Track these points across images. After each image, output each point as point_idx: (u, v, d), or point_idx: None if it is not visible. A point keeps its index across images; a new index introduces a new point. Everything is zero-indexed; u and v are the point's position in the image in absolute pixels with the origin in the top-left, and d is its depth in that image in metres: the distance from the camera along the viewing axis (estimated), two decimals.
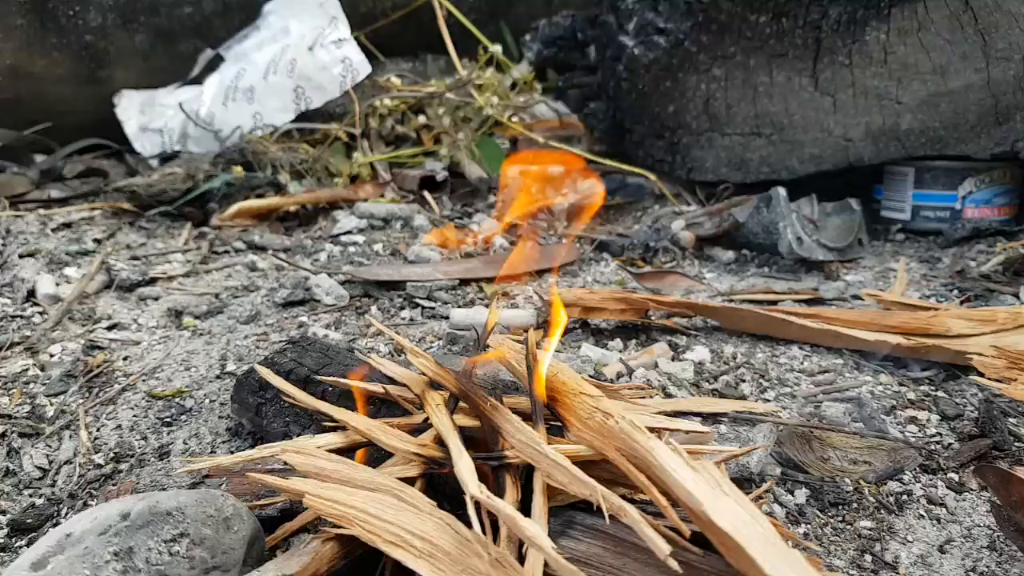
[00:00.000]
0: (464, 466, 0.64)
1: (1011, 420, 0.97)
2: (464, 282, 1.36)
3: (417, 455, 0.70)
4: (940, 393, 1.04)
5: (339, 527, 0.63)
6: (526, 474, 0.69)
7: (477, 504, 0.61)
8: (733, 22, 1.52)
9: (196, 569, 0.60)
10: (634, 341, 1.16)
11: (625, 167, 1.67)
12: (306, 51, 1.75)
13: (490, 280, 1.37)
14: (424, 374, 0.78)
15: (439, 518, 0.63)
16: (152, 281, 1.35)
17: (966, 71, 1.38)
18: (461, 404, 0.75)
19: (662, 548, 0.56)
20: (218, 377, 1.07)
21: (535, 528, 0.59)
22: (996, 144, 1.42)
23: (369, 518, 0.63)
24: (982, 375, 1.02)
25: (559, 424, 0.73)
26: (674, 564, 0.56)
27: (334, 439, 0.75)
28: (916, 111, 1.43)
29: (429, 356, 0.79)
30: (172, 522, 0.61)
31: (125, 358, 1.13)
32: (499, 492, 0.67)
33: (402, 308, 1.29)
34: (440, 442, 0.70)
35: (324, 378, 0.85)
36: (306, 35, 1.77)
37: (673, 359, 1.10)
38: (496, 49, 1.71)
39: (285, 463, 0.69)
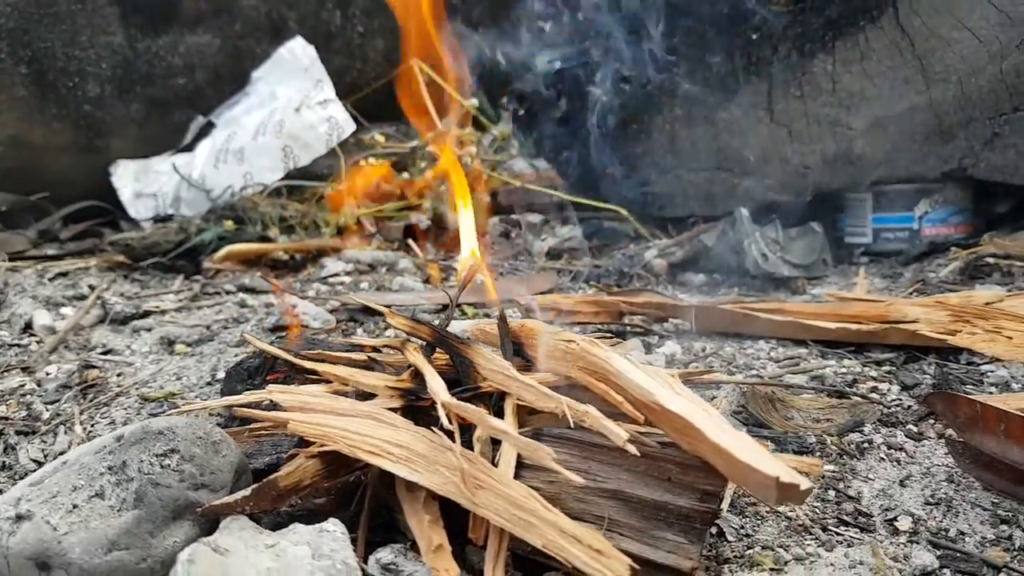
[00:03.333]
0: (436, 383, 0.69)
1: (966, 387, 1.02)
2: (446, 306, 1.42)
3: (396, 389, 0.74)
4: (900, 372, 1.09)
5: (323, 446, 0.67)
6: (498, 405, 0.74)
7: (449, 417, 0.65)
8: (691, 65, 1.64)
9: (185, 483, 0.64)
10: (609, 342, 1.21)
11: (601, 205, 1.76)
12: (293, 112, 1.86)
13: (472, 305, 1.43)
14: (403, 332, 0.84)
15: (414, 431, 0.67)
16: (146, 315, 1.40)
17: (909, 94, 1.48)
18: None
19: (620, 435, 0.61)
20: (208, 384, 1.11)
21: (501, 422, 0.64)
22: (944, 162, 1.51)
23: (350, 434, 0.67)
24: (943, 358, 1.07)
25: (528, 363, 0.78)
26: (632, 448, 0.61)
27: (319, 389, 0.79)
28: (866, 135, 1.53)
29: (404, 316, 0.84)
30: (163, 440, 0.65)
31: (119, 374, 1.17)
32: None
33: (386, 329, 1.34)
34: (416, 377, 0.75)
35: (308, 352, 0.90)
36: (293, 98, 1.89)
37: (645, 354, 1.15)
38: (472, 103, 1.83)
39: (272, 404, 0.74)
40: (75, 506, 0.61)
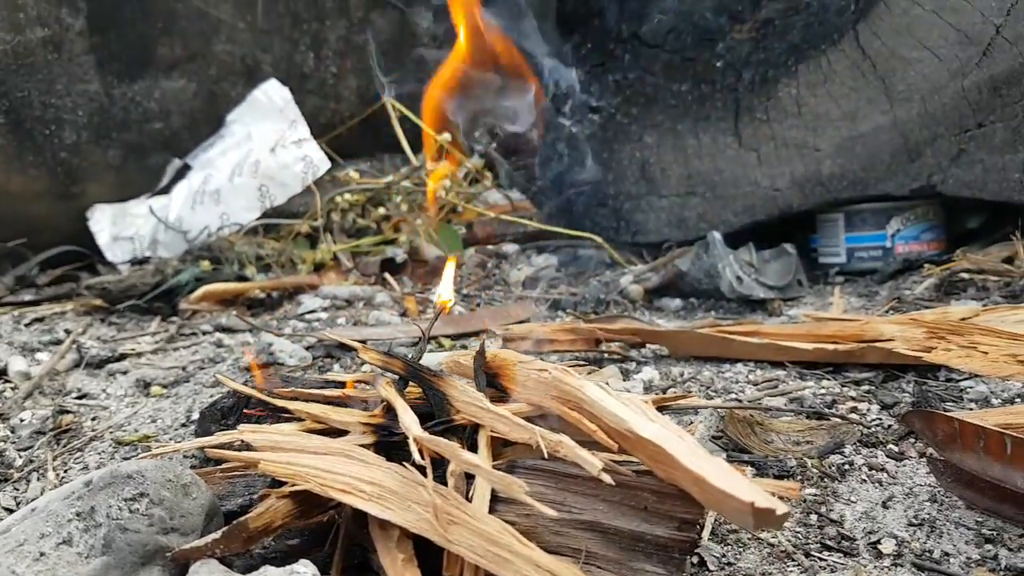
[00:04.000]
0: (408, 418, 0.68)
1: (946, 405, 1.02)
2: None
3: (368, 424, 0.74)
4: (879, 391, 1.09)
5: (294, 485, 0.66)
6: (472, 438, 0.73)
7: (421, 452, 0.65)
8: (658, 93, 1.66)
9: (155, 527, 0.63)
10: (585, 370, 1.21)
11: (576, 233, 1.77)
12: (269, 152, 1.86)
13: (448, 337, 1.43)
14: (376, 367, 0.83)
15: (387, 468, 0.67)
16: (121, 358, 1.39)
17: (873, 114, 1.51)
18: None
19: (595, 463, 0.60)
20: (183, 425, 1.10)
21: (474, 455, 0.63)
22: (913, 180, 1.53)
23: (321, 473, 0.66)
24: (922, 376, 1.08)
25: (503, 394, 0.78)
26: (607, 478, 0.60)
27: (291, 428, 0.79)
28: (834, 156, 1.55)
29: (377, 350, 0.84)
30: (132, 484, 0.64)
31: (94, 418, 1.16)
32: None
33: (362, 364, 1.33)
34: (389, 412, 0.74)
35: (281, 391, 0.89)
36: (268, 138, 1.89)
37: (623, 380, 1.15)
38: (445, 138, 1.84)
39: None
40: (42, 554, 0.60)
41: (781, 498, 0.60)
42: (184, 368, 1.37)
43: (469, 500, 0.65)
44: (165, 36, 1.99)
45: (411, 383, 0.80)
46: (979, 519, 0.76)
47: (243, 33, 2.05)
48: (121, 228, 1.96)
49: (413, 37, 2.21)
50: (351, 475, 0.65)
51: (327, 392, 0.86)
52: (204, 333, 1.56)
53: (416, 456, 0.63)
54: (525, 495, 0.58)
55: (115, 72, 1.96)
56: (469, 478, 0.67)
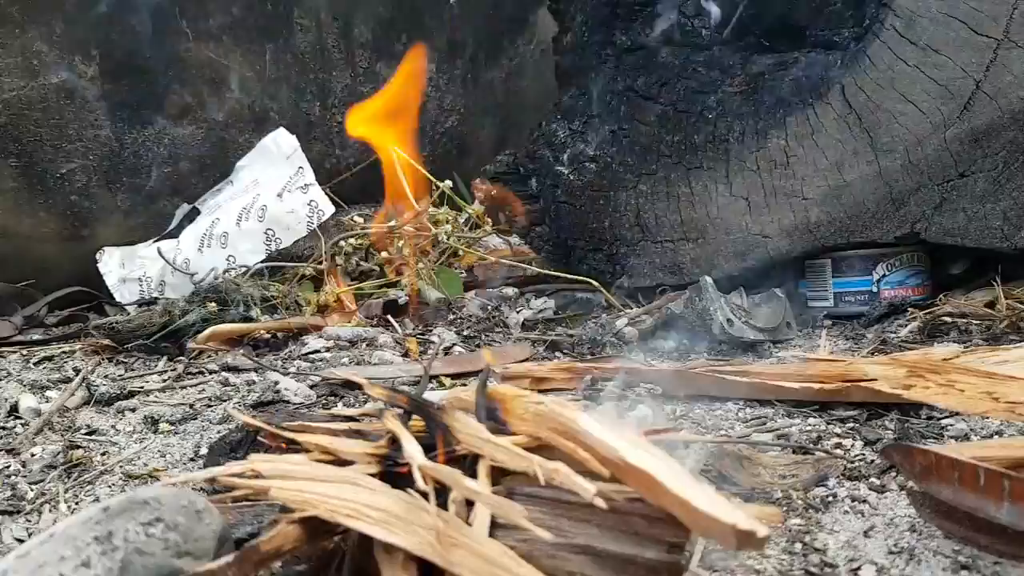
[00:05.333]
0: (412, 448, 0.73)
1: (927, 441, 1.06)
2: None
3: (373, 455, 0.78)
4: (863, 428, 1.13)
5: (304, 512, 0.70)
6: (472, 467, 0.77)
7: (424, 479, 0.69)
8: (652, 143, 1.73)
9: (170, 550, 0.67)
10: (581, 406, 1.25)
11: (573, 276, 1.82)
12: (275, 197, 1.92)
13: (449, 376, 1.47)
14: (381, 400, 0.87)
15: (392, 495, 0.70)
16: (130, 395, 1.43)
17: (859, 165, 1.57)
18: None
19: (589, 489, 0.64)
20: (191, 460, 1.14)
21: (474, 482, 0.67)
22: (897, 227, 1.59)
23: (329, 499, 0.70)
24: (905, 414, 1.12)
25: (502, 427, 0.82)
26: (600, 502, 0.64)
27: (300, 458, 0.82)
28: (821, 205, 1.61)
29: (382, 386, 0.88)
30: (148, 509, 0.68)
31: (104, 453, 1.19)
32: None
33: (366, 402, 1.37)
34: (393, 443, 0.79)
35: (289, 424, 0.93)
36: (275, 184, 1.95)
37: (618, 418, 1.19)
38: (447, 185, 1.90)
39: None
40: (62, 575, 0.64)
41: (764, 523, 0.64)
42: (191, 406, 1.41)
43: (470, 525, 0.68)
44: (176, 83, 2.07)
45: (414, 416, 0.84)
46: (956, 548, 0.79)
47: (251, 81, 2.13)
48: (129, 270, 2.02)
49: None
50: (358, 501, 0.69)
51: (333, 425, 0.90)
52: (211, 372, 1.60)
53: (420, 483, 0.67)
54: (523, 519, 0.62)
55: (126, 118, 2.04)
56: (470, 505, 0.71)
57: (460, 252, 1.97)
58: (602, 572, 0.66)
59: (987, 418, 1.08)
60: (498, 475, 0.76)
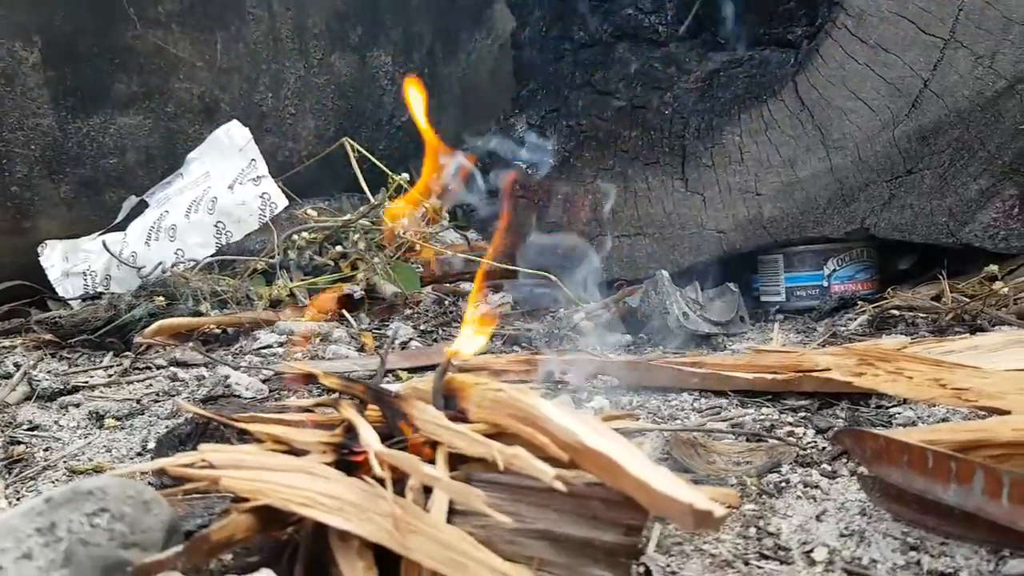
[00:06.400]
0: (369, 435, 0.71)
1: (876, 429, 1.08)
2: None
3: (328, 444, 0.76)
4: (815, 417, 1.14)
5: (256, 501, 0.68)
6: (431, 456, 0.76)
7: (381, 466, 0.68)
8: (609, 139, 1.74)
9: (115, 541, 0.64)
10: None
11: (531, 271, 1.81)
12: (226, 189, 1.89)
13: (406, 370, 1.45)
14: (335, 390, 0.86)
15: (347, 483, 0.69)
16: (74, 390, 1.39)
17: (811, 161, 1.60)
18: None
19: (548, 471, 0.64)
20: (139, 455, 1.11)
21: (432, 469, 0.66)
22: (847, 223, 1.62)
23: (282, 488, 0.68)
24: (855, 403, 1.14)
25: (460, 414, 0.81)
26: (559, 485, 0.64)
27: (251, 448, 0.80)
28: (774, 200, 1.63)
29: (337, 375, 0.86)
30: (93, 499, 0.66)
31: (46, 449, 1.16)
32: None
33: (320, 394, 1.35)
34: (348, 432, 0.77)
35: (241, 416, 0.91)
36: (226, 176, 1.91)
37: (576, 409, 1.19)
38: (403, 178, 1.88)
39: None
40: (1, 568, 0.61)
41: (720, 503, 0.64)
42: (139, 401, 1.37)
43: (428, 512, 0.67)
44: (122, 72, 2.01)
45: (371, 406, 0.82)
46: (905, 530, 0.81)
47: (201, 71, 2.08)
48: (73, 264, 1.96)
49: (373, 80, 2.26)
50: (312, 489, 0.68)
51: (286, 416, 0.88)
52: (158, 367, 1.56)
53: (376, 469, 0.66)
54: (482, 503, 0.61)
55: (70, 107, 1.98)
56: (428, 493, 0.70)
57: (417, 247, 1.95)
58: (560, 556, 0.66)
59: (934, 406, 1.10)
60: (457, 464, 0.75)
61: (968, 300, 1.48)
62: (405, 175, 1.88)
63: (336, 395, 0.85)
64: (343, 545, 0.66)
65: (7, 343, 1.68)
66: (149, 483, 0.99)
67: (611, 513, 0.66)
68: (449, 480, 0.63)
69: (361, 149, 2.09)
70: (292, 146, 2.21)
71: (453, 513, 0.68)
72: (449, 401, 0.82)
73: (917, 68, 1.54)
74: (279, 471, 0.71)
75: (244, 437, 0.84)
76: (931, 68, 1.53)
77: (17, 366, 1.54)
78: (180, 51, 2.05)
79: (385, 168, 2.05)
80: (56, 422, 1.28)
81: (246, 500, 0.69)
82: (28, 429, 1.24)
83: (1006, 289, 1.48)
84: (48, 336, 1.68)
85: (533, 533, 0.67)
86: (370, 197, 2.04)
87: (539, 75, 1.88)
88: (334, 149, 2.15)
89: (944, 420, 1.06)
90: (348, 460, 0.76)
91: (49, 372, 1.53)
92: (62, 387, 1.38)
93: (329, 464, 0.75)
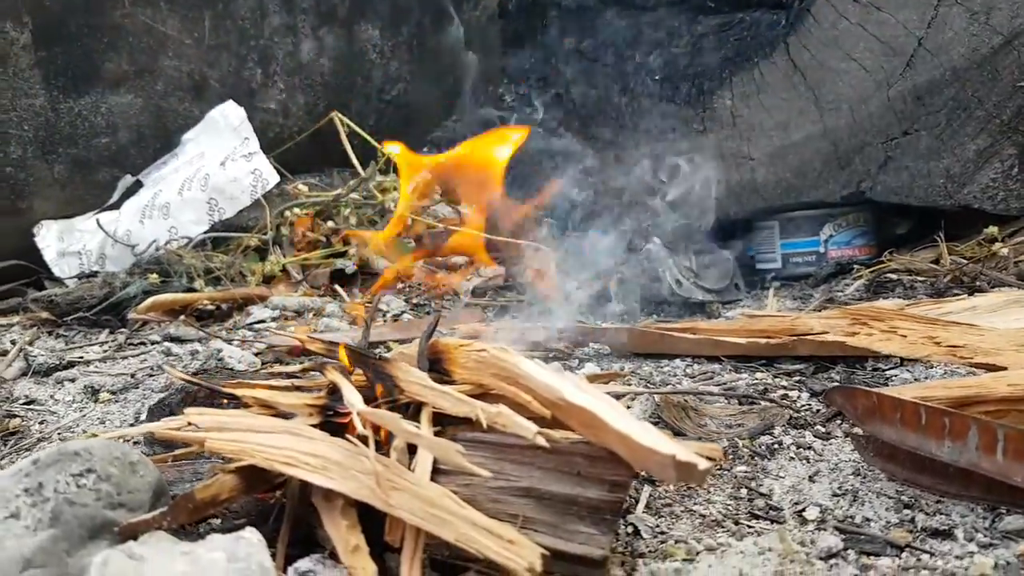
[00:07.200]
0: (353, 396, 0.71)
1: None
2: (372, 344, 1.43)
3: (313, 406, 0.76)
4: (810, 380, 1.14)
5: (240, 461, 0.68)
6: (415, 417, 0.76)
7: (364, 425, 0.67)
8: (599, 106, 1.72)
9: (102, 501, 0.64)
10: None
11: (523, 243, 1.80)
12: (218, 166, 1.88)
13: (397, 342, 1.45)
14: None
15: (331, 442, 0.69)
16: (69, 366, 1.39)
17: (804, 124, 1.58)
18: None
19: (530, 428, 0.63)
20: (132, 426, 1.11)
21: (414, 426, 0.66)
22: (843, 187, 1.60)
23: (266, 448, 0.68)
24: (851, 366, 1.13)
25: (445, 376, 0.81)
26: (542, 441, 0.63)
27: (237, 412, 0.80)
28: (768, 165, 1.62)
29: (321, 339, 0.86)
30: (79, 460, 0.66)
31: (42, 422, 1.16)
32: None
33: (312, 369, 1.34)
34: (333, 394, 0.77)
35: (228, 382, 0.90)
36: (219, 154, 1.90)
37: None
38: (393, 151, 1.87)
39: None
40: None
41: (705, 457, 0.64)
42: (133, 375, 1.37)
43: (412, 471, 0.67)
44: (112, 51, 2.00)
45: (355, 370, 0.82)
46: (899, 489, 0.80)
47: (190, 49, 2.07)
48: (68, 243, 1.95)
49: (362, 54, 2.24)
50: (296, 449, 0.68)
51: (273, 382, 0.88)
52: (153, 343, 1.56)
53: (360, 428, 0.65)
54: (460, 457, 0.60)
55: (61, 86, 1.97)
56: (412, 453, 0.70)
57: (410, 221, 1.94)
58: (544, 513, 0.65)
59: (931, 366, 1.10)
60: (442, 425, 0.75)
61: (967, 262, 1.47)
62: (395, 147, 1.87)
63: (322, 361, 0.85)
64: (327, 504, 0.66)
65: (4, 322, 1.68)
66: (143, 452, 0.99)
67: (595, 470, 0.66)
68: (430, 436, 0.63)
69: (351, 124, 2.07)
70: (283, 122, 2.20)
71: (438, 472, 0.68)
72: (434, 363, 0.82)
73: (911, 26, 1.52)
74: (264, 432, 0.71)
75: (235, 405, 0.84)
76: (925, 26, 1.51)
77: (14, 343, 1.54)
78: (169, 29, 2.03)
79: (375, 142, 2.03)
80: (52, 396, 1.28)
81: (232, 461, 0.69)
82: (24, 403, 1.24)
83: (1006, 250, 1.46)
84: (45, 314, 1.68)
85: (517, 491, 0.66)
86: (360, 171, 2.03)
87: (528, 44, 1.87)
88: (323, 124, 2.13)
89: None
90: (333, 422, 0.75)
91: (45, 349, 1.53)
92: (58, 363, 1.38)
93: (314, 426, 0.74)
